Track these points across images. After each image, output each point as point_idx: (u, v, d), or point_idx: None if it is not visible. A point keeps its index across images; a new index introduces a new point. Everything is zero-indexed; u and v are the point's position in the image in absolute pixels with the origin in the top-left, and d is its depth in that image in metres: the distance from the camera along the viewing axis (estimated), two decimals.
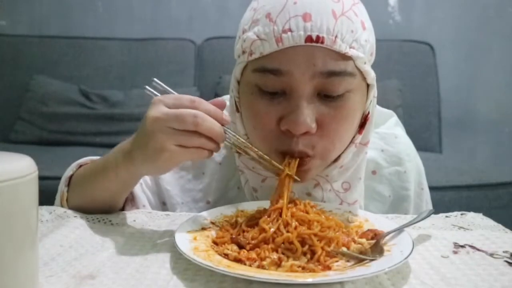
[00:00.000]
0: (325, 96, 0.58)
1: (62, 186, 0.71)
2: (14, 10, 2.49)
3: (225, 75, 2.17)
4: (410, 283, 0.47)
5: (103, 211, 0.67)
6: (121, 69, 2.27)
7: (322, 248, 0.51)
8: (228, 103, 0.66)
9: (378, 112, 0.78)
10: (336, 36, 0.56)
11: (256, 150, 0.59)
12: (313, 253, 0.51)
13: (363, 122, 0.64)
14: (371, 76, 0.62)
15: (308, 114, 0.57)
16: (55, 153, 1.87)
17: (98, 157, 0.73)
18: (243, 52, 0.61)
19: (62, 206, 0.70)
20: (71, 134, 2.10)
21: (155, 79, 0.59)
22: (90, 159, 0.73)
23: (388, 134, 0.79)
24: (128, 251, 0.55)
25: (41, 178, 0.43)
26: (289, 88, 0.58)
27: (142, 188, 0.75)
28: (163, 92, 0.59)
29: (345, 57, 0.57)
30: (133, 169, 0.58)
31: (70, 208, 0.68)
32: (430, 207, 0.83)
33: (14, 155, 0.42)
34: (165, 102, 0.54)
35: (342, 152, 0.64)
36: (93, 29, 2.44)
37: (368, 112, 0.64)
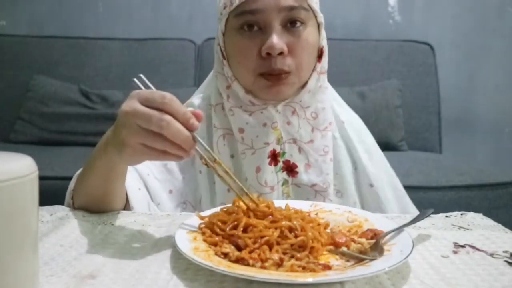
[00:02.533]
0: (290, 27, 0.75)
1: (68, 200, 0.73)
2: (14, 10, 2.49)
3: None
4: (410, 283, 0.47)
5: (103, 207, 0.68)
6: (121, 69, 2.27)
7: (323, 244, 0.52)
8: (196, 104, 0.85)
9: (332, 90, 0.91)
10: None
11: (224, 166, 0.59)
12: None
13: (320, 55, 0.81)
14: (320, 15, 0.80)
15: (280, 39, 0.74)
16: (55, 153, 1.87)
17: None
18: (224, 7, 0.78)
19: (71, 205, 0.72)
20: (71, 134, 2.09)
21: (141, 75, 0.60)
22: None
23: (343, 104, 0.93)
24: (128, 251, 0.55)
25: (41, 178, 0.43)
26: (263, 23, 0.75)
27: (138, 184, 0.76)
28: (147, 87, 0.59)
29: None
30: (108, 157, 0.60)
31: (77, 207, 0.70)
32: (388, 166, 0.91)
33: (14, 155, 0.42)
34: (139, 97, 0.55)
35: (308, 79, 0.80)
36: (93, 29, 2.44)
37: (322, 46, 0.81)
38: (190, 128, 0.54)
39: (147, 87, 0.59)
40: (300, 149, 0.81)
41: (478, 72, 2.46)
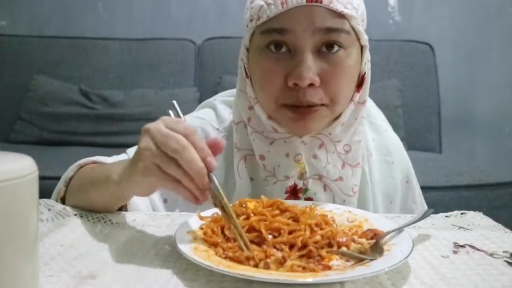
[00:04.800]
0: (325, 53, 0.65)
1: (60, 185, 0.71)
2: (14, 10, 2.49)
3: (225, 75, 2.17)
4: (410, 283, 0.47)
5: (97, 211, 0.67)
6: (121, 69, 2.27)
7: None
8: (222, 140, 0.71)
9: (371, 103, 0.84)
10: None
11: (232, 212, 0.53)
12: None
13: (360, 82, 0.71)
14: (365, 37, 0.69)
15: (311, 68, 0.63)
16: (55, 153, 1.87)
17: (97, 158, 0.73)
18: (251, 20, 0.67)
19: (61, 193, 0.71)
20: (71, 134, 2.10)
21: (174, 102, 0.59)
22: (91, 160, 0.73)
23: (380, 126, 0.84)
24: (128, 251, 0.55)
25: (41, 178, 0.43)
26: (293, 45, 0.64)
27: None
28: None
29: (341, 16, 0.64)
30: (119, 187, 0.58)
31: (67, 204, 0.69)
32: (423, 206, 0.84)
33: (14, 155, 0.42)
34: (166, 122, 0.54)
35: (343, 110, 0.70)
36: (93, 29, 2.44)
37: (364, 73, 0.71)
38: (206, 166, 0.52)
39: (177, 115, 0.59)
40: (325, 187, 0.72)
41: (478, 72, 2.46)
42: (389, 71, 2.22)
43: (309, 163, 0.71)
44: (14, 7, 2.49)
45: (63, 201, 0.71)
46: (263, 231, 0.52)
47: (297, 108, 0.66)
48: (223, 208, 0.53)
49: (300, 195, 0.72)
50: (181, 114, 0.58)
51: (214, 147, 0.54)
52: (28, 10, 2.49)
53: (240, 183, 0.74)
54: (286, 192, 0.72)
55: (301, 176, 0.72)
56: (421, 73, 2.26)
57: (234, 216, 0.53)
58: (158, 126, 0.53)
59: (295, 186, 0.72)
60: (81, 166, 0.73)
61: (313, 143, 0.71)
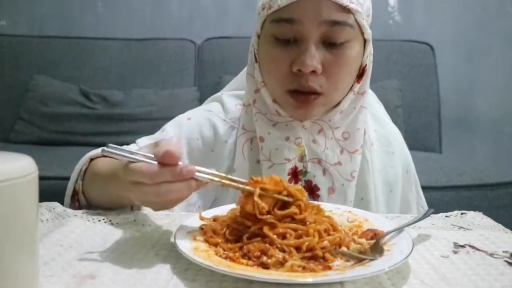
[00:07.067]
0: (329, 44, 0.69)
1: (76, 180, 0.73)
2: (14, 10, 2.49)
3: (225, 75, 2.17)
4: (410, 283, 0.47)
5: (118, 205, 0.69)
6: (121, 69, 2.27)
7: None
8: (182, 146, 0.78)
9: (373, 96, 0.88)
10: None
11: (230, 176, 0.55)
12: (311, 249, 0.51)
13: (361, 74, 0.74)
14: (368, 31, 0.72)
15: (314, 56, 0.68)
16: (55, 153, 1.87)
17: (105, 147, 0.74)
18: (263, 9, 0.72)
19: (74, 199, 0.72)
20: (71, 134, 2.10)
21: (110, 144, 0.54)
22: (100, 152, 0.73)
23: (381, 118, 0.88)
24: (128, 251, 0.55)
25: (41, 178, 0.43)
26: (299, 35, 0.69)
27: None
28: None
29: (346, 10, 0.68)
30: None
31: (88, 201, 0.71)
32: (421, 197, 0.87)
33: (14, 155, 0.42)
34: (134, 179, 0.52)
35: (342, 99, 0.74)
36: (93, 29, 2.44)
37: (366, 65, 0.74)
38: (189, 176, 0.51)
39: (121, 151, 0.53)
40: (324, 171, 0.75)
41: (478, 72, 2.46)
42: (389, 71, 2.22)
43: (309, 147, 0.76)
44: (14, 7, 2.49)
45: (84, 195, 0.72)
46: (270, 234, 0.51)
47: (298, 96, 0.70)
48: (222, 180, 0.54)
49: (300, 177, 0.75)
50: (125, 153, 0.53)
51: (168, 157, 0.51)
52: (28, 10, 2.49)
53: (244, 164, 0.77)
54: (288, 174, 0.75)
55: (301, 159, 0.76)
56: (421, 73, 2.26)
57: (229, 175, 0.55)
58: (144, 190, 0.52)
59: (295, 168, 0.75)
60: (91, 160, 0.74)
61: (312, 128, 0.76)
